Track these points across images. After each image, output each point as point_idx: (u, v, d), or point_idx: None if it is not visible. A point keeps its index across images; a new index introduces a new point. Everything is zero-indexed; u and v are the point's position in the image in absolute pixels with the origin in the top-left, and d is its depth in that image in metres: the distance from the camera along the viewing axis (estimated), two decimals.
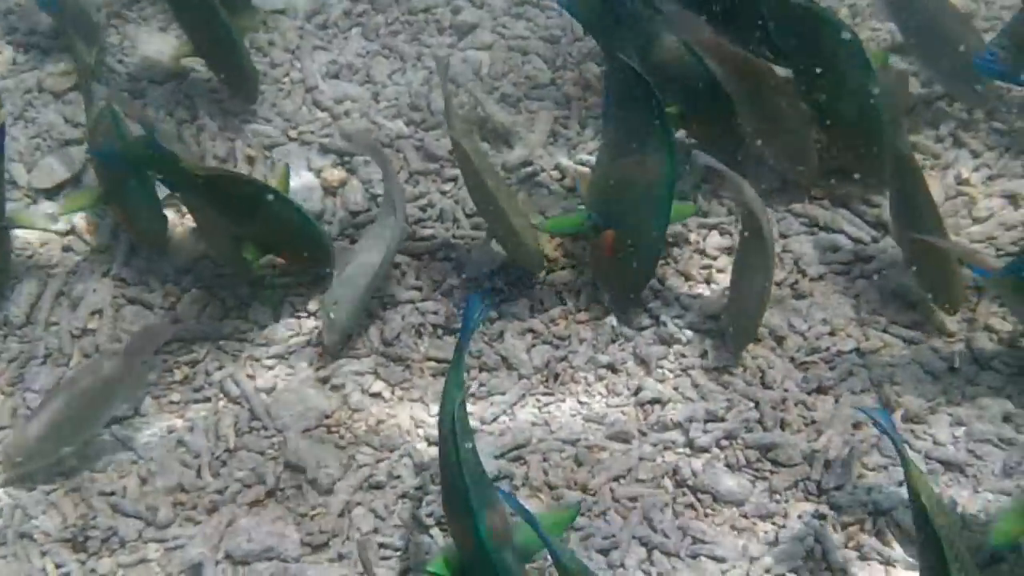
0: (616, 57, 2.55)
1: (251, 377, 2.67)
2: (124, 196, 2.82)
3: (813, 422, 2.36)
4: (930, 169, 2.71)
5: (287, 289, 2.82)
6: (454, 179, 2.99)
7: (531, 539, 2.01)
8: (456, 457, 2.00)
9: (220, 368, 2.69)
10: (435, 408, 2.55)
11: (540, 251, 2.69)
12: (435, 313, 2.73)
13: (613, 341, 2.58)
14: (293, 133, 3.19)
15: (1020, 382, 2.33)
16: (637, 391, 2.49)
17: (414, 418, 2.55)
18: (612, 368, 2.54)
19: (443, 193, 2.98)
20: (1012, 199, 2.63)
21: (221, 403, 2.64)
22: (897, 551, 2.14)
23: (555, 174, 2.96)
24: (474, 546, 1.95)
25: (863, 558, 2.14)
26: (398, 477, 2.44)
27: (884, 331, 2.48)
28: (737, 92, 2.71)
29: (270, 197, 2.65)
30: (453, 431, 2.03)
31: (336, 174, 3.05)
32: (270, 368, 2.69)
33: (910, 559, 2.12)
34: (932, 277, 2.41)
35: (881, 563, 2.13)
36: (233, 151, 3.13)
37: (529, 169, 2.97)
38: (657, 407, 2.45)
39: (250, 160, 3.11)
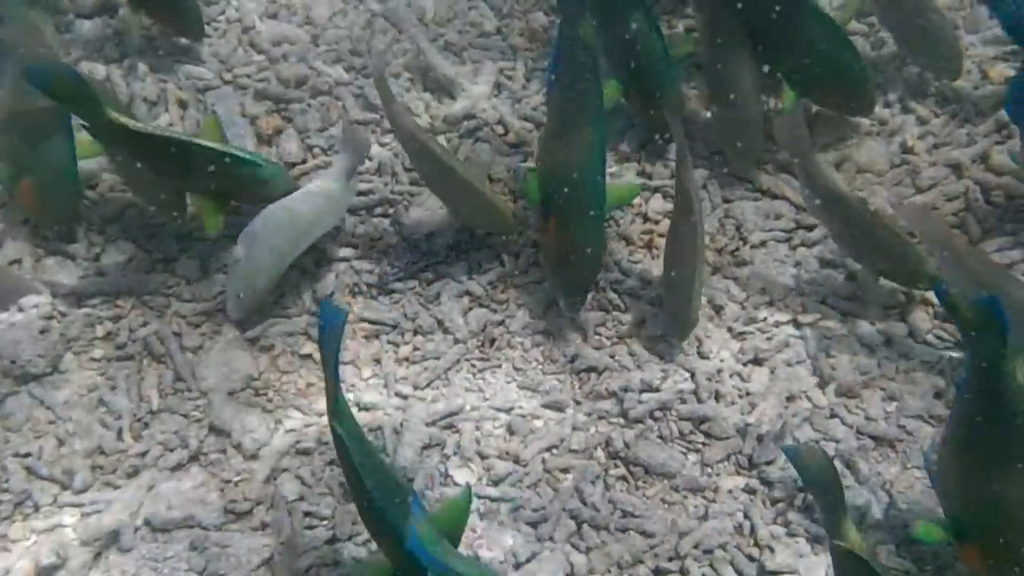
0: (568, 25, 2.40)
1: (177, 335, 2.58)
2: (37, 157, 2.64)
3: (748, 394, 2.34)
4: (876, 135, 2.67)
5: (216, 243, 2.73)
6: (392, 132, 2.89)
7: (454, 519, 1.98)
8: (360, 479, 1.90)
9: (144, 325, 2.60)
10: (367, 371, 2.50)
11: (510, 212, 2.59)
12: (370, 272, 2.65)
13: (551, 306, 2.53)
14: (228, 76, 3.06)
15: (954, 358, 2.32)
16: (573, 358, 2.44)
17: (345, 382, 2.48)
18: (549, 334, 2.50)
19: (382, 145, 2.88)
20: (955, 168, 2.59)
21: (145, 362, 2.56)
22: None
23: (499, 129, 2.87)
24: (404, 559, 1.89)
25: (791, 534, 2.13)
26: (326, 443, 2.38)
27: (822, 302, 2.45)
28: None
29: (198, 152, 2.52)
30: (350, 459, 1.92)
31: (272, 122, 2.94)
32: (197, 326, 2.61)
33: None
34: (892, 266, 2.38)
35: (808, 540, 2.12)
36: (164, 94, 3.00)
37: (472, 123, 2.88)
38: (593, 375, 2.42)
39: (182, 104, 2.98)
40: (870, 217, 2.30)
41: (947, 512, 1.95)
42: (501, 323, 2.53)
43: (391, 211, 2.75)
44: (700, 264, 2.34)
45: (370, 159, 2.84)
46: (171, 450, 2.41)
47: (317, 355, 2.54)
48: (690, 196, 2.31)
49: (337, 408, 1.95)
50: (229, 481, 2.36)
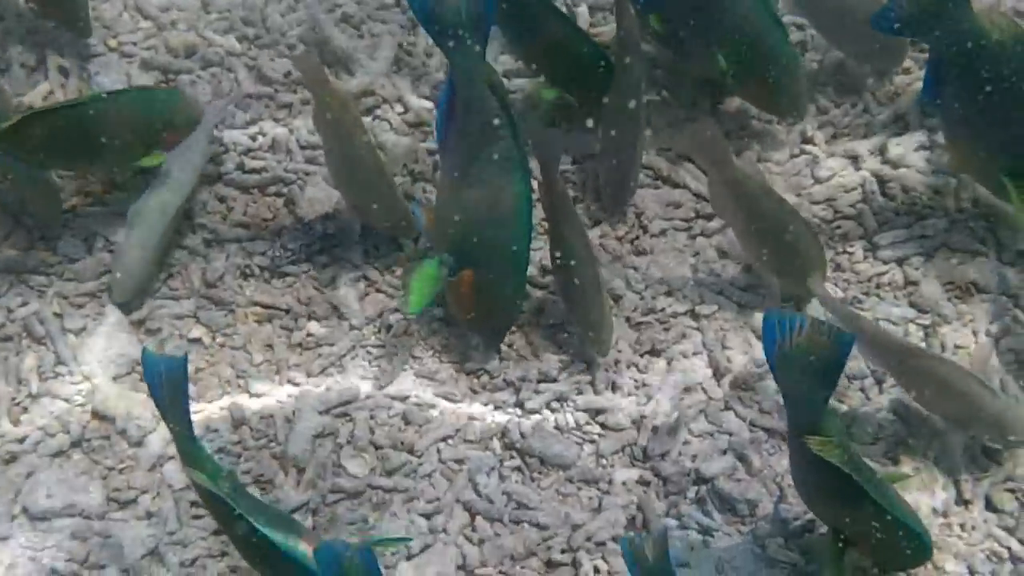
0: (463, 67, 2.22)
1: (58, 316, 2.47)
2: None
3: (644, 385, 2.33)
4: (776, 124, 2.68)
5: (99, 220, 2.62)
6: (288, 105, 2.80)
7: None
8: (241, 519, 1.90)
9: (24, 305, 2.48)
10: (259, 357, 2.43)
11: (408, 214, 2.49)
12: (263, 254, 2.57)
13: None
14: (112, 43, 2.91)
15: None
16: (471, 347, 2.40)
17: (235, 367, 2.41)
18: (447, 322, 2.45)
19: (276, 120, 2.78)
20: (854, 160, 2.61)
21: (24, 343, 2.44)
22: (716, 519, 2.15)
23: (398, 107, 2.80)
24: None
25: (683, 527, 2.15)
26: (215, 431, 2.32)
27: (719, 293, 2.45)
28: None
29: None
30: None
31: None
32: (80, 307, 2.50)
33: (727, 528, 2.14)
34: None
35: (699, 532, 2.14)
36: (44, 60, 2.84)
37: (370, 100, 2.80)
38: (487, 372, 2.39)
39: (63, 71, 2.83)
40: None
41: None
42: (398, 309, 2.48)
43: (285, 190, 2.66)
44: (596, 268, 2.33)
45: (263, 135, 2.75)
46: (52, 436, 2.31)
47: (206, 339, 2.46)
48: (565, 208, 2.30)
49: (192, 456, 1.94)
50: (113, 468, 2.28)
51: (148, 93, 2.60)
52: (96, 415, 2.34)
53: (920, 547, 1.89)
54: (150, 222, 2.47)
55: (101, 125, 2.45)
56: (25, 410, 2.35)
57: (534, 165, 2.30)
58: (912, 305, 2.39)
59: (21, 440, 2.30)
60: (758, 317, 2.39)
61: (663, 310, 2.43)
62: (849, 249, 2.48)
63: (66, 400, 2.36)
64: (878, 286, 2.43)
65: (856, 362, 2.31)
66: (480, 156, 2.25)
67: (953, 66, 2.22)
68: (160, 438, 2.30)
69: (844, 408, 2.25)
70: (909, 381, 2.16)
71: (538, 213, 2.36)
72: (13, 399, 2.36)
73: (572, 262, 2.28)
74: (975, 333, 2.33)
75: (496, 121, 2.21)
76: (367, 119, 2.76)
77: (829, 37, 2.73)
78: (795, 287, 2.37)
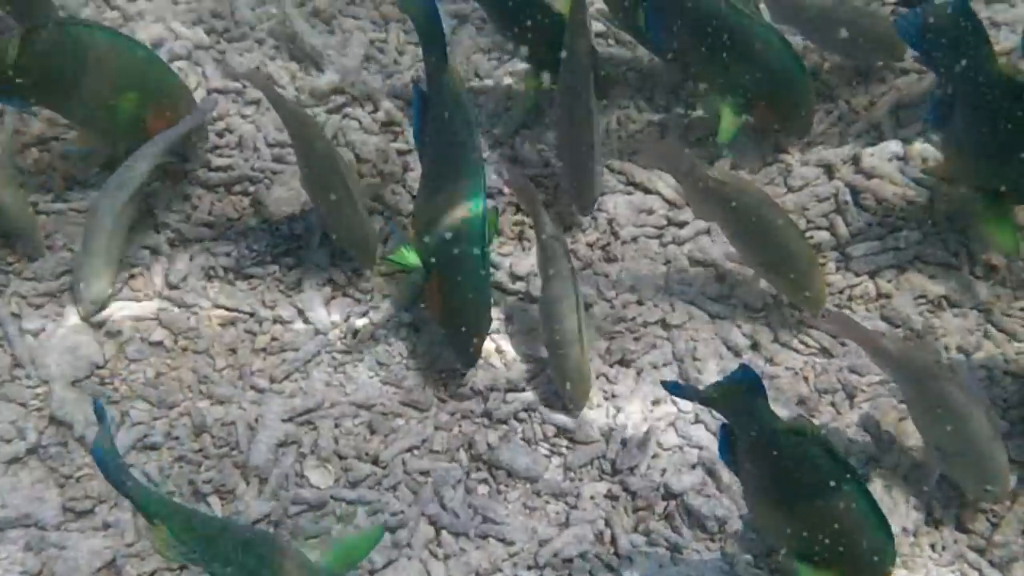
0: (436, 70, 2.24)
1: (16, 316, 2.41)
2: None
3: (614, 396, 2.30)
4: (753, 133, 2.64)
5: (60, 216, 2.56)
6: (256, 101, 2.74)
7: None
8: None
9: None
10: (222, 362, 2.38)
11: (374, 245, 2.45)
12: (228, 255, 2.51)
13: (418, 297, 2.44)
14: None
15: (818, 364, 2.33)
16: (437, 357, 2.36)
17: (197, 372, 2.36)
18: (415, 327, 2.41)
19: (243, 117, 2.72)
20: (827, 169, 2.58)
21: None
22: (685, 536, 2.13)
23: (368, 106, 2.74)
24: None
25: (651, 544, 2.12)
26: (176, 438, 2.27)
27: (691, 303, 2.42)
28: None
29: None
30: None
31: None
32: (38, 307, 2.44)
33: (696, 545, 2.12)
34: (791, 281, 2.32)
35: (667, 549, 2.11)
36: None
37: (340, 98, 2.74)
38: (458, 373, 2.35)
39: None
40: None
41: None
42: (365, 314, 2.43)
43: (251, 189, 2.60)
44: (580, 313, 2.24)
45: (230, 132, 2.69)
46: (7, 441, 2.26)
47: (168, 342, 2.41)
48: (555, 251, 2.25)
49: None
50: (70, 477, 2.23)
51: (163, 65, 2.56)
52: (53, 420, 2.28)
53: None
54: (106, 226, 2.41)
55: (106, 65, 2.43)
56: None
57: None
58: (884, 319, 2.37)
59: None
60: (729, 328, 2.38)
61: (633, 319, 2.40)
62: (821, 259, 2.44)
63: (23, 405, 2.31)
64: (850, 298, 2.41)
65: (827, 376, 2.30)
66: (439, 163, 2.27)
67: (964, 99, 2.23)
68: (119, 445, 2.24)
69: (816, 422, 2.23)
70: (917, 402, 2.09)
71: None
72: None
73: (555, 309, 2.23)
74: (947, 348, 2.31)
75: (455, 130, 2.22)
76: (336, 117, 2.72)
77: (817, 40, 2.71)
78: (795, 300, 2.36)
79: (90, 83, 2.44)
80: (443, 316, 2.29)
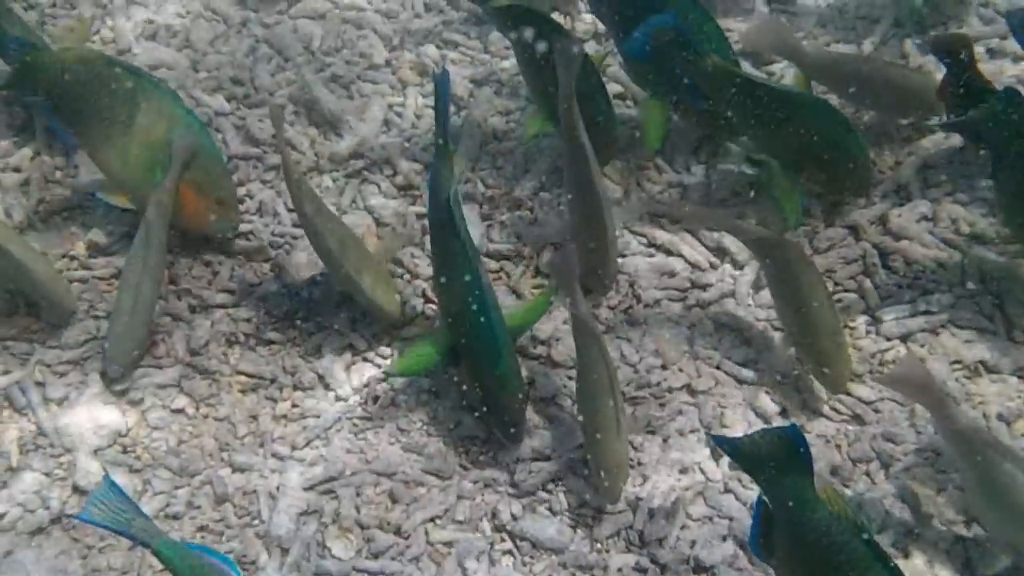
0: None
1: (40, 385, 2.41)
2: None
3: (639, 464, 2.26)
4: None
5: (85, 284, 2.56)
6: (276, 167, 2.75)
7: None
8: None
9: (5, 373, 2.43)
10: (243, 429, 2.36)
11: (396, 304, 2.44)
12: (248, 321, 2.51)
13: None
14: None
15: (851, 432, 2.28)
16: (458, 423, 2.34)
17: (219, 440, 2.34)
18: (435, 393, 2.39)
19: (264, 183, 2.73)
20: (854, 230, 2.55)
21: (5, 414, 2.38)
22: None
23: (387, 170, 2.75)
24: None
25: None
26: (198, 507, 2.25)
27: (717, 367, 2.38)
28: None
29: None
30: None
31: None
32: (62, 375, 2.44)
33: None
34: (817, 352, 2.28)
35: None
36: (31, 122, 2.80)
37: (359, 163, 2.75)
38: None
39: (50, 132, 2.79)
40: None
41: None
42: (385, 379, 2.41)
43: (272, 254, 2.60)
44: (617, 400, 2.15)
45: (250, 197, 2.69)
46: (31, 511, 2.25)
47: (190, 409, 2.40)
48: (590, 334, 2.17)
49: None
50: (92, 547, 2.21)
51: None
52: (77, 490, 2.27)
53: None
54: (137, 296, 2.40)
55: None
56: (4, 484, 2.28)
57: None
58: None
59: (0, 517, 2.23)
60: (757, 394, 2.33)
61: (658, 384, 2.36)
62: (851, 324, 2.41)
63: (46, 474, 2.30)
64: (881, 363, 2.36)
65: (861, 444, 2.25)
66: (436, 246, 2.29)
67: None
68: None
69: (849, 493, 2.18)
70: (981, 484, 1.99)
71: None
72: None
73: (591, 398, 2.16)
74: (985, 416, 2.26)
75: (446, 216, 2.21)
76: (355, 182, 2.72)
77: (851, 98, 2.70)
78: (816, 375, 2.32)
79: (136, 134, 2.48)
80: (479, 399, 2.27)
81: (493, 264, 2.57)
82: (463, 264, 2.20)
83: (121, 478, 2.27)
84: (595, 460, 2.16)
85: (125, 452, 2.33)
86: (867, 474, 2.22)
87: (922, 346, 2.38)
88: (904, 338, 2.39)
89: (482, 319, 2.18)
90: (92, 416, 2.37)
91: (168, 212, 2.43)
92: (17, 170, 2.73)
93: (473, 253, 2.22)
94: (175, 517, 2.24)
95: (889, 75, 2.63)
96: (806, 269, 2.24)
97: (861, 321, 2.43)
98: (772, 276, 2.30)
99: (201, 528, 2.23)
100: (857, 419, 2.30)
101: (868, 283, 2.47)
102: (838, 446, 2.26)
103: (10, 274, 2.42)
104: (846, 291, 2.46)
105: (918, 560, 2.08)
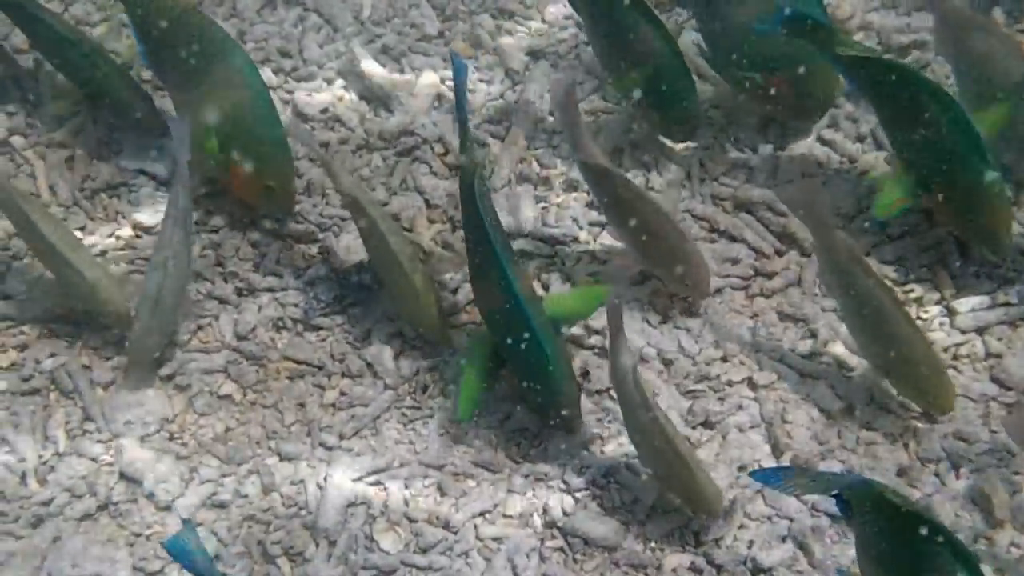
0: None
1: (87, 368, 2.38)
2: None
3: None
4: (845, 173, 2.49)
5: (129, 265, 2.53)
6: (325, 144, 2.67)
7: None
8: None
9: (52, 356, 2.40)
10: (290, 417, 2.32)
11: (443, 323, 2.34)
12: (296, 306, 2.45)
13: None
14: (146, 75, 2.82)
15: (920, 431, 2.17)
16: (509, 415, 2.27)
17: (266, 428, 2.30)
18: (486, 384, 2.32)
19: (312, 161, 2.66)
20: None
21: (52, 397, 2.36)
22: None
23: (438, 147, 2.66)
24: None
25: None
26: (245, 496, 2.22)
27: (780, 360, 2.28)
28: None
29: None
30: None
31: None
32: (108, 359, 2.41)
33: None
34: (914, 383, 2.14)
35: None
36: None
37: (409, 140, 2.66)
38: (530, 434, 2.24)
39: None
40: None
41: None
42: (434, 368, 2.35)
43: (320, 236, 2.54)
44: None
45: (298, 176, 2.63)
46: (79, 497, 2.23)
47: (237, 396, 2.36)
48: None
49: None
50: (140, 535, 2.19)
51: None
52: (124, 477, 2.25)
53: None
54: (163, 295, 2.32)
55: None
56: (52, 469, 2.27)
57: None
58: (994, 380, 2.20)
59: (47, 503, 2.22)
60: (821, 388, 2.23)
61: (718, 377, 2.27)
62: (923, 315, 2.29)
63: (93, 460, 2.28)
64: (955, 357, 2.24)
65: (930, 443, 2.14)
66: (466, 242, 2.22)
67: None
68: (188, 504, 2.21)
69: (916, 495, 2.08)
70: None
71: None
72: (40, 457, 2.27)
73: (646, 441, 2.04)
74: None
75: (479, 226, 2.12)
76: (406, 160, 2.64)
77: None
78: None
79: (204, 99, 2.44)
80: (530, 396, 2.20)
81: (547, 249, 2.48)
82: (490, 259, 2.10)
83: (167, 465, 2.25)
84: (681, 499, 2.08)
85: (172, 439, 2.30)
86: (936, 475, 2.12)
87: (999, 340, 2.25)
88: (981, 331, 2.27)
89: (520, 318, 2.07)
90: (138, 400, 2.34)
91: (190, 197, 2.37)
92: (62, 145, 2.70)
93: (501, 246, 2.10)
94: (221, 506, 2.21)
95: None
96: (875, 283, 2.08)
97: (934, 312, 2.30)
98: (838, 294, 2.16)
99: (248, 517, 2.19)
100: (926, 416, 2.19)
101: (943, 272, 2.34)
102: (906, 445, 2.15)
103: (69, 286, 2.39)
104: (919, 280, 2.34)
105: (987, 567, 1.97)
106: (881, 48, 2.62)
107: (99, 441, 2.31)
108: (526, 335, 2.08)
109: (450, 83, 2.76)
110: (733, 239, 2.44)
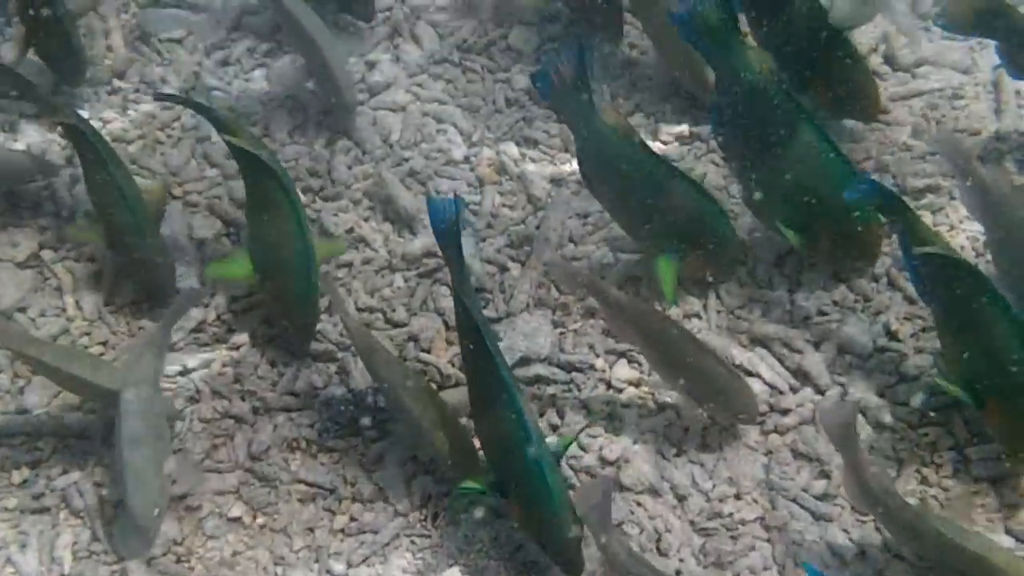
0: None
1: (98, 486, 2.39)
2: None
3: None
4: (861, 312, 2.49)
5: None
6: (348, 265, 2.72)
7: None
8: None
9: (64, 473, 2.41)
10: (299, 542, 2.30)
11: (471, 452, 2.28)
12: (311, 426, 2.46)
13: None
14: (178, 191, 2.89)
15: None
16: (520, 547, 2.24)
17: (273, 552, 2.29)
18: (497, 512, 2.30)
19: (335, 279, 2.69)
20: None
21: (61, 516, 2.36)
22: None
23: None
24: None
25: None
26: None
27: (793, 500, 2.25)
28: None
29: None
30: None
31: (219, 248, 2.76)
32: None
33: None
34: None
35: None
36: None
37: (432, 262, 2.70)
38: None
39: None
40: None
41: None
42: (447, 494, 2.34)
43: (339, 356, 2.56)
44: None
45: (321, 296, 2.66)
46: None
47: (247, 519, 2.35)
48: None
49: None
50: None
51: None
52: None
53: None
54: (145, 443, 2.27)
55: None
56: None
57: None
58: (1009, 532, 2.16)
59: None
60: (834, 532, 2.20)
61: (731, 515, 2.24)
62: (937, 460, 2.26)
63: None
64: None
65: None
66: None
67: None
68: None
69: None
70: None
71: None
72: None
73: None
74: None
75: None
76: (427, 282, 2.67)
77: None
78: None
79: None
80: (533, 534, 2.15)
81: (563, 376, 2.49)
82: (492, 389, 2.09)
83: None
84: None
85: (179, 561, 2.29)
86: None
87: (1014, 490, 2.20)
88: (995, 481, 2.21)
89: (523, 454, 2.04)
90: None
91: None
92: (91, 260, 2.75)
93: (501, 375, 2.07)
94: None
95: None
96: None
97: (948, 458, 2.26)
98: None
99: None
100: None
101: (958, 418, 2.29)
102: None
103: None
104: (933, 424, 2.30)
105: None
106: (897, 190, 2.65)
107: (105, 563, 2.29)
108: (531, 474, 2.05)
109: (474, 207, 2.81)
110: (748, 373, 2.43)
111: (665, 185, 2.43)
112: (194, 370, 2.56)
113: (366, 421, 2.45)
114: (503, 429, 2.08)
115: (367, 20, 3.18)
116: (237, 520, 2.35)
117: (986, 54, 2.91)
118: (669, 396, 2.40)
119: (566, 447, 2.22)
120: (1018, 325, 2.09)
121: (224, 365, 2.56)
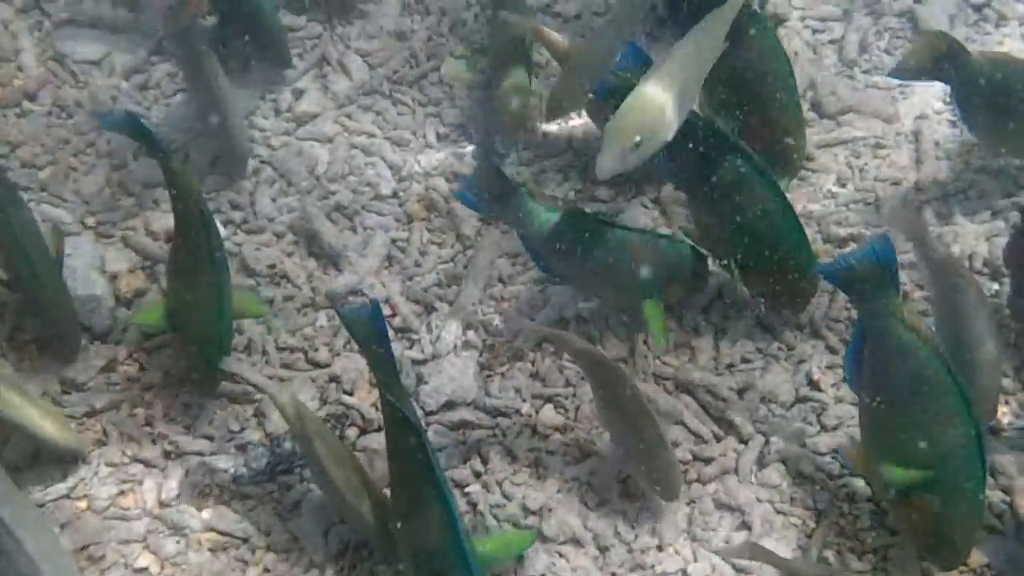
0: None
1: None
2: None
3: None
4: (784, 361, 2.49)
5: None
6: (269, 301, 2.64)
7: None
8: None
9: None
10: None
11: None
12: (226, 471, 2.38)
13: None
14: (91, 220, 2.79)
15: None
16: None
17: None
18: None
19: (254, 318, 2.61)
20: None
21: None
22: None
23: (385, 309, 2.63)
24: None
25: None
26: None
27: (715, 552, 2.23)
28: None
29: None
30: None
31: (132, 281, 2.66)
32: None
33: None
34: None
35: None
36: None
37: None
38: None
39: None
40: None
41: None
42: (365, 544, 2.27)
43: (256, 398, 2.48)
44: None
45: (240, 333, 2.58)
46: None
47: (154, 569, 2.26)
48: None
49: None
50: None
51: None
52: None
53: None
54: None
55: None
56: None
57: None
58: None
59: None
60: None
61: (652, 568, 2.19)
62: (855, 511, 2.26)
63: None
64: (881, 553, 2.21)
65: None
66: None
67: None
68: None
69: None
70: None
71: None
72: None
73: None
74: None
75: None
76: None
77: None
78: None
79: None
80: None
81: (488, 420, 2.44)
82: (429, 499, 1.97)
83: None
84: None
85: None
86: None
87: None
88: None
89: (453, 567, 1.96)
90: (52, 569, 2.23)
91: None
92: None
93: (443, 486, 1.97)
94: None
95: None
96: None
97: (865, 509, 2.27)
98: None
99: None
100: None
101: None
102: None
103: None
104: (853, 475, 2.30)
105: None
106: (821, 238, 2.66)
107: None
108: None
109: (402, 244, 2.75)
110: (677, 422, 2.41)
111: (627, 242, 2.40)
112: (102, 411, 2.47)
113: (282, 467, 2.38)
114: (434, 537, 1.98)
115: (286, 66, 3.09)
116: (144, 571, 2.27)
117: (907, 104, 2.95)
118: (597, 440, 2.37)
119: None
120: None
121: (134, 406, 2.47)
